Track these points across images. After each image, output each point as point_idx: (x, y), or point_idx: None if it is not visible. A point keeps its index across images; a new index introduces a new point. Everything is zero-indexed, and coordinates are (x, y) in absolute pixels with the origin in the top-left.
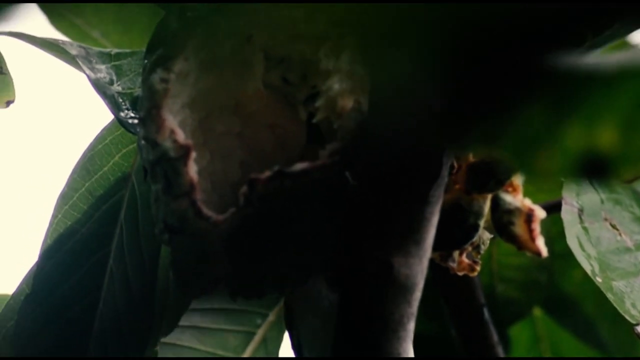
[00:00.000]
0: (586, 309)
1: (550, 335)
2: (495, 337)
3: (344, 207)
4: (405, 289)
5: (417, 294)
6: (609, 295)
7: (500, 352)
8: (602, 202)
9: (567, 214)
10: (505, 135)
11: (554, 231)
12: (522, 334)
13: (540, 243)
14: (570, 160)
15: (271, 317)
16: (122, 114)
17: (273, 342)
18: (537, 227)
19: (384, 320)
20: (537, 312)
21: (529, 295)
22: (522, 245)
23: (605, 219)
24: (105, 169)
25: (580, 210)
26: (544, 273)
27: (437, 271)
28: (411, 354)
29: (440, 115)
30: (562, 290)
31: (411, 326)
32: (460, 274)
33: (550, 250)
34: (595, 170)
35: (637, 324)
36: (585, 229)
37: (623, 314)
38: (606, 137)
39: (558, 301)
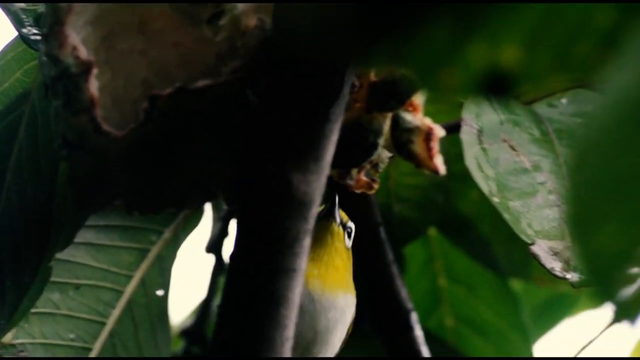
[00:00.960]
0: (481, 229)
1: (444, 254)
2: (390, 256)
3: (245, 125)
4: (302, 205)
5: (314, 210)
6: (506, 215)
7: (394, 270)
8: (502, 123)
9: (466, 134)
10: (409, 51)
11: (453, 152)
12: (417, 253)
13: (439, 161)
14: (473, 77)
15: (166, 234)
16: (24, 30)
17: (167, 259)
18: (435, 145)
19: (280, 236)
20: (433, 231)
21: (425, 215)
22: (420, 163)
23: (504, 140)
24: (7, 85)
25: (480, 132)
26: (440, 193)
27: (335, 188)
28: (304, 269)
29: (344, 30)
30: (458, 210)
31: (307, 242)
32: (358, 191)
33: (447, 171)
34: (497, 87)
35: (532, 244)
36: (484, 149)
37: (518, 233)
38: (508, 55)
39: (453, 221)
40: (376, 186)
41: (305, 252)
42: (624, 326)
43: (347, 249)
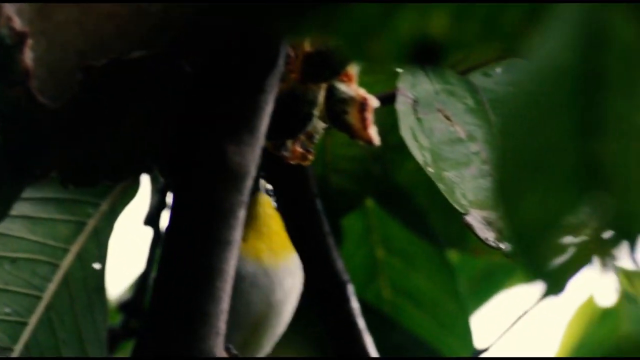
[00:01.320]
0: (418, 200)
1: (381, 225)
2: (326, 227)
3: (179, 96)
4: (237, 177)
5: (249, 182)
6: (440, 186)
7: (330, 241)
8: (437, 93)
9: (402, 104)
10: (339, 21)
11: (389, 123)
12: (354, 224)
13: (373, 132)
14: (402, 47)
15: (103, 206)
16: None
17: (104, 232)
18: (370, 116)
19: (214, 207)
20: (370, 203)
21: (361, 186)
22: (355, 134)
23: (439, 110)
24: None
25: (415, 102)
26: (377, 164)
27: (271, 160)
28: (239, 241)
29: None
30: (394, 181)
31: (242, 214)
32: (293, 163)
33: (384, 142)
34: (426, 56)
35: (466, 214)
36: (419, 119)
37: (453, 203)
38: (437, 23)
39: (390, 192)
40: (311, 157)
41: (240, 224)
42: (557, 297)
43: (276, 211)
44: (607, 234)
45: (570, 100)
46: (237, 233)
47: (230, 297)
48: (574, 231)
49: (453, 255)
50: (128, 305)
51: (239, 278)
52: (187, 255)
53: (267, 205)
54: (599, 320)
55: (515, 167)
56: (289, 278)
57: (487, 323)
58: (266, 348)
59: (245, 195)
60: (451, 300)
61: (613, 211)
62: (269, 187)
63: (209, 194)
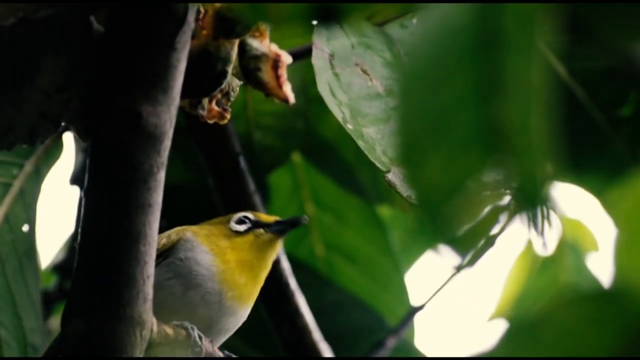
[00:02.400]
0: (345, 154)
1: (310, 181)
2: (252, 186)
3: (90, 56)
4: (154, 138)
5: (167, 143)
6: (360, 143)
7: (257, 200)
8: (353, 47)
9: (318, 59)
10: None
11: (309, 76)
12: (283, 181)
13: (287, 89)
14: (300, 7)
15: (27, 167)
16: None
17: (30, 193)
18: (283, 73)
19: (133, 171)
20: (297, 158)
21: (286, 141)
22: (269, 92)
23: (357, 64)
24: None
25: (331, 56)
26: (300, 119)
27: (191, 120)
28: (160, 203)
29: None
30: (320, 135)
31: (161, 176)
32: (211, 121)
33: (305, 96)
34: (325, 15)
35: (387, 172)
36: (336, 74)
37: (374, 161)
38: None
39: (317, 147)
40: (228, 115)
41: (161, 186)
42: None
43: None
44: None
45: (469, 60)
46: (158, 195)
47: (181, 295)
48: (479, 195)
49: (384, 211)
50: (62, 267)
51: (199, 286)
52: (107, 219)
53: (276, 252)
54: (539, 269)
55: (417, 130)
56: (232, 317)
57: (423, 279)
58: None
59: (163, 157)
60: (384, 256)
61: (516, 173)
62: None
63: (126, 156)
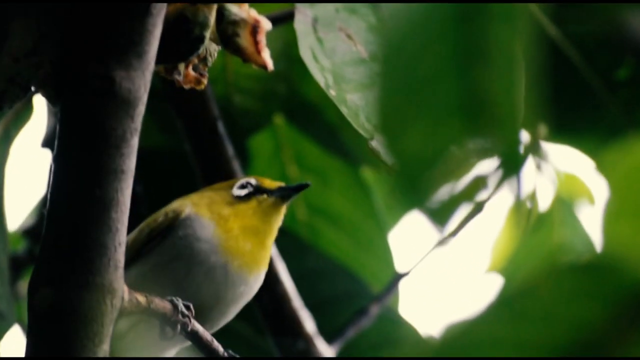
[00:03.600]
0: (328, 115)
1: (293, 143)
2: (230, 151)
3: (61, 20)
4: (127, 104)
5: (141, 108)
6: (343, 109)
7: (236, 166)
8: (337, 11)
9: (300, 24)
10: None
11: (292, 37)
12: (264, 144)
13: (266, 56)
14: None
15: None
16: None
17: None
18: (262, 39)
19: (105, 136)
20: (279, 120)
21: (267, 104)
22: (247, 58)
23: (341, 29)
24: None
25: (314, 20)
26: (282, 82)
27: (168, 84)
28: (133, 169)
29: None
30: (303, 96)
31: (135, 142)
32: (187, 87)
33: (288, 57)
34: None
35: (371, 139)
36: (319, 39)
37: (357, 128)
38: None
39: (300, 108)
40: (205, 81)
41: (134, 151)
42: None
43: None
44: (492, 168)
45: (451, 28)
46: (131, 161)
47: (185, 276)
48: (460, 164)
49: (367, 173)
50: (32, 231)
51: (203, 263)
52: (77, 186)
53: (281, 217)
54: (533, 227)
55: (398, 99)
56: (244, 286)
57: (409, 243)
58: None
59: (137, 122)
60: (369, 219)
61: (498, 142)
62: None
63: (99, 121)
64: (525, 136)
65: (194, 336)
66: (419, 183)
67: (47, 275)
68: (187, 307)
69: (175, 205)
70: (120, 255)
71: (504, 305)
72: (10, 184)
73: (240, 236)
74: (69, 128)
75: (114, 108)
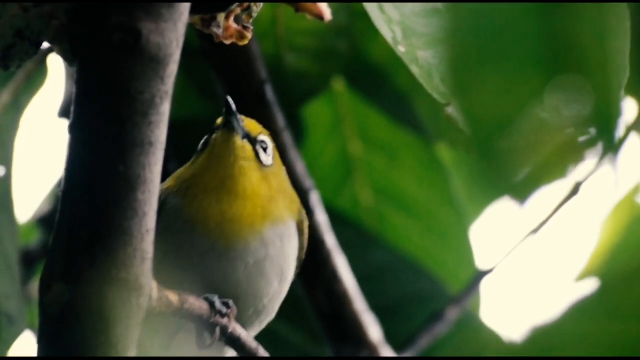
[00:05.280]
0: (398, 80)
1: (355, 113)
2: (281, 121)
3: None
4: (157, 62)
5: (173, 68)
6: (414, 69)
7: (287, 139)
8: None
9: None
10: None
11: None
12: (321, 114)
13: (323, 5)
14: None
15: (4, 97)
16: None
17: (8, 128)
18: None
19: (131, 101)
20: (339, 86)
21: (325, 66)
22: (300, 7)
23: None
24: None
25: None
26: (343, 38)
27: (206, 40)
28: (164, 142)
29: None
30: (367, 57)
31: (165, 108)
32: (228, 42)
33: (349, 10)
34: None
35: (447, 105)
36: None
37: (430, 91)
38: None
39: (363, 72)
40: (249, 35)
41: (165, 120)
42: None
43: (261, 166)
44: (581, 133)
45: None
46: (161, 132)
47: (191, 267)
48: (539, 130)
49: (445, 153)
50: (47, 220)
51: (192, 254)
52: (98, 160)
53: (243, 154)
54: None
55: (469, 49)
56: (249, 255)
57: (493, 236)
58: (247, 327)
59: (168, 85)
60: (445, 206)
61: (589, 100)
62: (264, 138)
63: (123, 83)
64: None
65: (235, 343)
66: (494, 149)
67: (61, 270)
68: (226, 305)
69: (163, 185)
70: (148, 245)
71: (599, 301)
72: (21, 162)
73: (206, 202)
74: (87, 92)
75: (140, 67)
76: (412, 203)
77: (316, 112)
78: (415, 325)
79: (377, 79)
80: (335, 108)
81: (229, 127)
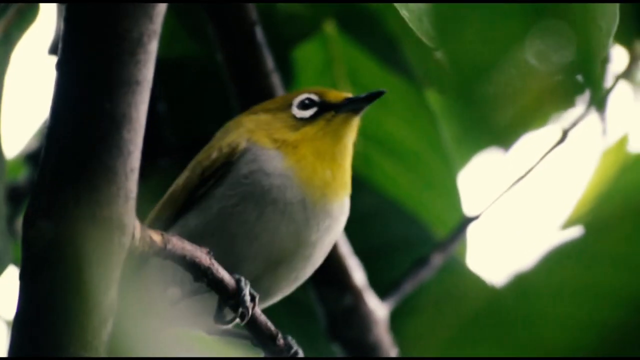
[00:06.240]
0: (390, 24)
1: (346, 57)
2: (270, 63)
3: None
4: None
5: (162, 7)
6: (404, 13)
7: (275, 79)
8: None
9: None
10: None
11: None
12: (312, 56)
13: None
14: None
15: None
16: None
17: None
18: None
19: (118, 39)
20: (330, 29)
21: (316, 8)
22: None
23: None
24: None
25: None
26: None
27: None
28: (150, 81)
29: None
30: (359, 1)
31: (153, 47)
32: None
33: None
34: None
35: (437, 49)
36: None
37: (420, 36)
38: None
39: (355, 16)
40: None
41: (152, 59)
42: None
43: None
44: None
45: None
46: (148, 71)
47: (257, 219)
48: (522, 75)
49: (435, 98)
50: (35, 156)
51: (277, 200)
52: (84, 98)
53: (354, 133)
54: (631, 165)
55: None
56: (328, 219)
57: (480, 182)
58: (284, 290)
59: (157, 24)
60: (433, 151)
61: (574, 45)
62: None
63: (109, 20)
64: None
65: (253, 325)
66: (477, 93)
67: (45, 206)
68: (252, 298)
69: (229, 137)
70: (132, 184)
71: (581, 247)
72: (11, 98)
73: (317, 163)
74: (75, 28)
75: (128, 5)
76: (401, 148)
77: (306, 55)
78: (399, 271)
79: (369, 23)
80: (325, 51)
81: (357, 111)
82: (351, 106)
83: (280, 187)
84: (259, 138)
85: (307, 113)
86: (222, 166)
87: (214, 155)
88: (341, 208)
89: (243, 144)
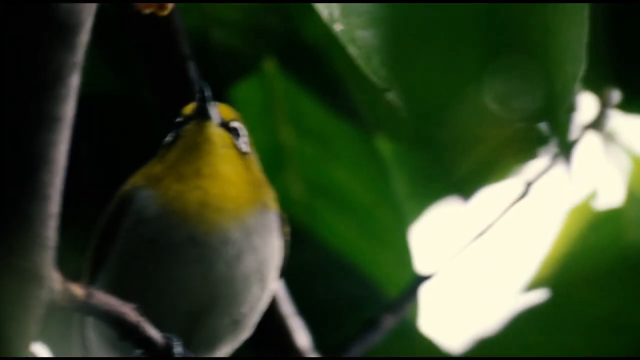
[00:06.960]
0: (335, 63)
1: (287, 97)
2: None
3: None
4: (66, 30)
5: (83, 37)
6: (351, 50)
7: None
8: None
9: None
10: None
11: None
12: (250, 96)
13: None
14: None
15: None
16: None
17: None
18: None
19: (36, 71)
20: (270, 66)
21: (255, 44)
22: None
23: None
24: None
25: None
26: (276, 14)
27: (124, 10)
28: (71, 118)
29: None
30: (302, 37)
31: (74, 81)
32: (147, 12)
33: None
34: None
35: (388, 89)
36: None
37: (370, 75)
38: None
39: (297, 52)
40: (170, 5)
41: (73, 94)
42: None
43: (240, 153)
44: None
45: None
46: (68, 106)
47: (155, 272)
48: (483, 120)
49: (385, 146)
50: None
51: (167, 247)
52: None
53: (221, 141)
54: (599, 224)
55: (408, 25)
56: (234, 246)
57: (434, 239)
58: (228, 337)
59: (78, 56)
60: (383, 204)
61: (533, 88)
62: (237, 125)
63: (28, 52)
64: (587, 100)
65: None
66: (434, 136)
67: None
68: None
69: (126, 185)
70: (50, 232)
71: (548, 311)
72: None
73: (180, 189)
74: None
75: (48, 35)
76: (347, 198)
77: (244, 94)
78: (347, 332)
79: (312, 61)
80: (265, 91)
81: (204, 115)
82: (197, 111)
83: (162, 230)
84: (138, 180)
85: (170, 139)
86: (117, 219)
87: (111, 207)
88: (243, 227)
89: (131, 191)
